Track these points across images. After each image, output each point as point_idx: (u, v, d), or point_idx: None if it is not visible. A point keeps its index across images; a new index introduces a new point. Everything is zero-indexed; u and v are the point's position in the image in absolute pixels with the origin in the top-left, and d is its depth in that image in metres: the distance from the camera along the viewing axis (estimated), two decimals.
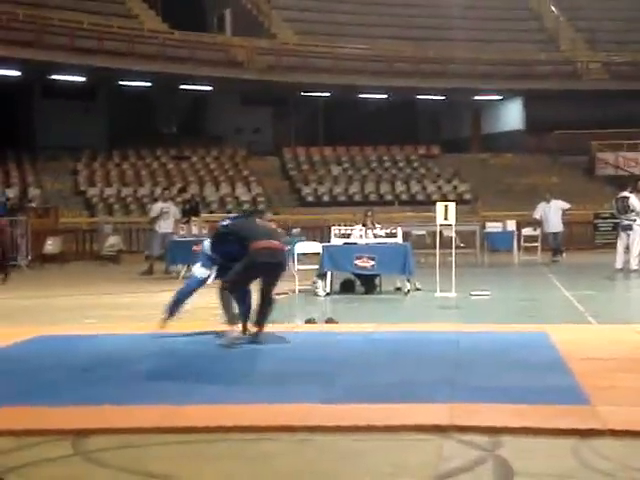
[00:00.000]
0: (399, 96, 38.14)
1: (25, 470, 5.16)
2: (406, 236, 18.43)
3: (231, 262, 9.80)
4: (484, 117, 42.02)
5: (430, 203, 25.24)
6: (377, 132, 37.49)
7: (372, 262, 15.31)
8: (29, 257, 24.25)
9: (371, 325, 11.05)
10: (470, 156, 39.39)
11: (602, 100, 37.93)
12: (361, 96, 37.88)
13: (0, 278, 7.95)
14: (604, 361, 8.12)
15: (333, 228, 16.59)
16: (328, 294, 15.30)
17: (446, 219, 14.93)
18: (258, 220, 10.30)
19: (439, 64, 38.37)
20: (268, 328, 9.97)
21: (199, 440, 5.73)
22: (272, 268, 9.66)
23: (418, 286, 15.58)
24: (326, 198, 34.83)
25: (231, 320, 9.46)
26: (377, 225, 16.67)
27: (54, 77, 32.97)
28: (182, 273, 18.23)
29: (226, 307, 9.50)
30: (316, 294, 15.28)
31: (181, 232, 20.05)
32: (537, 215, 24.43)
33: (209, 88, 36.34)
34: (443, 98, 39.45)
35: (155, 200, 24.57)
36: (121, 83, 34.37)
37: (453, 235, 16.22)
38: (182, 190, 30.79)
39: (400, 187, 35.84)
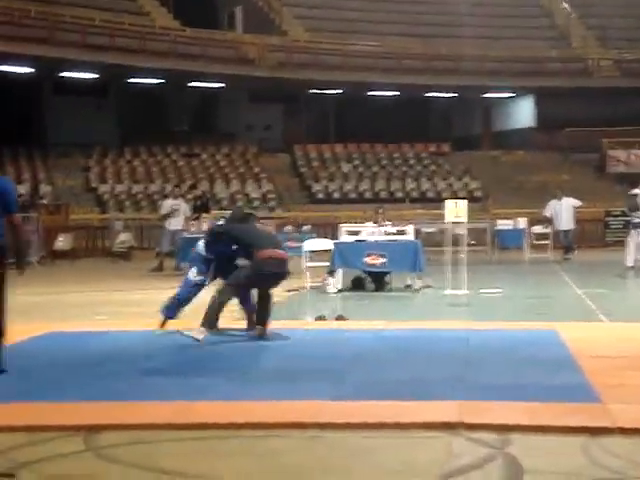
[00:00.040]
0: (410, 93, 38.08)
1: (37, 466, 5.19)
2: (417, 233, 18.42)
3: (226, 261, 9.83)
4: (495, 114, 41.93)
5: (440, 200, 25.16)
6: (388, 129, 37.45)
7: (382, 259, 15.31)
8: (41, 253, 24.31)
9: (381, 322, 11.06)
10: (481, 153, 39.32)
11: (613, 97, 37.82)
12: (372, 93, 37.83)
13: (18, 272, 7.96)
14: (614, 359, 8.12)
15: (343, 225, 16.58)
16: (339, 291, 15.31)
17: (457, 216, 14.92)
18: (258, 225, 10.32)
19: (450, 61, 38.29)
20: (276, 325, 10.02)
21: (210, 437, 5.75)
22: (278, 278, 9.71)
23: (429, 283, 15.58)
24: (337, 195, 34.81)
25: (210, 325, 9.36)
26: (387, 222, 16.67)
27: (66, 74, 33.02)
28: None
29: (214, 311, 9.41)
30: (326, 291, 15.28)
31: (192, 229, 20.07)
32: (548, 213, 24.38)
33: (220, 85, 36.35)
34: (454, 95, 39.38)
35: (165, 197, 24.61)
36: (132, 80, 34.40)
37: (464, 232, 16.21)
38: (193, 187, 30.80)
39: (411, 184, 35.80)
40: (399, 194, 35.08)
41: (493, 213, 29.67)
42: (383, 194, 34.74)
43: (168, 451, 5.54)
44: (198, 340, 9.16)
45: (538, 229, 25.20)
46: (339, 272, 15.49)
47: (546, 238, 24.81)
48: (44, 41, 30.75)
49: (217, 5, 41.19)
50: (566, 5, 43.19)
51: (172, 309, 10.12)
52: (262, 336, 9.64)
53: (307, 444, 5.61)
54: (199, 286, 10.10)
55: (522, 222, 25.13)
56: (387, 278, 15.81)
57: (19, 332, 9.35)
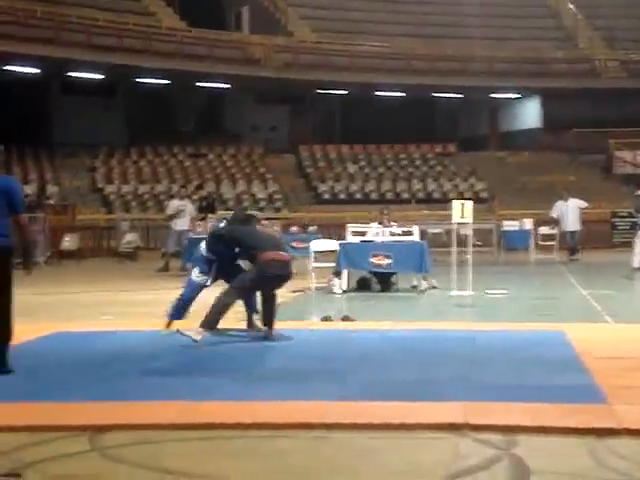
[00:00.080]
0: (416, 94, 38.06)
1: (42, 466, 5.20)
2: (422, 234, 18.41)
3: (228, 263, 9.85)
4: (501, 115, 41.91)
5: (447, 201, 25.17)
6: (394, 130, 37.45)
7: (388, 260, 15.30)
8: (47, 253, 24.35)
9: (387, 323, 11.06)
10: (487, 154, 39.29)
11: (620, 98, 37.77)
12: (378, 94, 37.82)
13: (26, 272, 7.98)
14: (621, 360, 8.10)
15: (349, 226, 16.58)
16: (344, 292, 15.30)
17: (463, 217, 14.91)
18: (259, 227, 10.34)
19: (456, 62, 38.28)
20: (282, 325, 10.02)
21: (216, 437, 5.75)
22: (282, 280, 9.71)
23: (434, 284, 15.57)
24: (342, 196, 34.82)
25: (210, 326, 9.36)
26: (393, 223, 16.66)
27: (73, 74, 33.07)
28: None
29: (217, 313, 9.38)
30: (332, 292, 15.28)
31: (198, 229, 20.08)
32: (554, 214, 24.35)
33: (226, 86, 36.37)
34: (460, 96, 39.37)
35: (172, 197, 24.63)
36: (139, 80, 34.44)
37: (470, 233, 16.20)
38: (199, 187, 30.87)
39: (417, 185, 35.79)
40: (405, 195, 35.07)
41: (499, 214, 29.65)
42: (389, 195, 34.75)
43: (174, 451, 5.55)
44: (196, 341, 9.14)
45: (544, 230, 25.17)
46: (345, 273, 15.49)
47: (552, 239, 24.79)
48: (50, 41, 30.81)
49: (223, 6, 41.21)
50: (572, 6, 43.13)
51: (177, 310, 10.14)
52: (267, 337, 9.65)
53: (313, 444, 5.61)
54: (201, 286, 10.12)
55: (528, 223, 25.11)
56: (393, 279, 15.81)
57: (26, 332, 9.37)
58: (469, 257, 15.11)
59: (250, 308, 10.07)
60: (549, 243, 24.80)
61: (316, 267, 15.99)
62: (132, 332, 10.41)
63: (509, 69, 38.52)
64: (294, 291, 15.12)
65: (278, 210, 32.30)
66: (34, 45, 30.18)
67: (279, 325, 9.91)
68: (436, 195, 35.04)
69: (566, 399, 6.49)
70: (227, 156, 36.58)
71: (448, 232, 19.21)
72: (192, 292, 10.15)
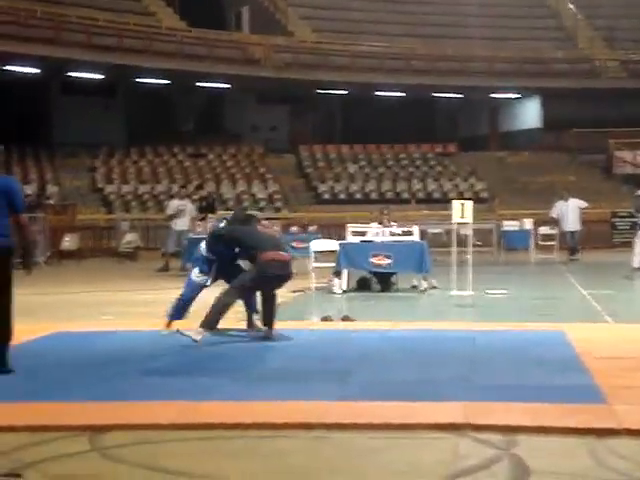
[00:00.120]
0: (416, 94, 38.06)
1: (42, 466, 5.20)
2: (422, 234, 18.41)
3: (228, 263, 9.87)
4: (501, 115, 41.91)
5: (447, 201, 25.17)
6: (394, 130, 37.44)
7: (388, 260, 15.31)
8: (47, 253, 24.35)
9: (387, 323, 11.06)
10: (487, 154, 39.29)
11: (620, 98, 37.77)
12: (378, 94, 37.82)
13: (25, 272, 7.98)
14: (621, 360, 8.11)
15: (349, 226, 16.59)
16: (344, 292, 15.31)
17: (463, 217, 14.92)
18: (259, 227, 10.34)
19: (456, 62, 38.28)
20: (282, 325, 10.02)
21: (216, 437, 5.75)
22: (282, 280, 9.72)
23: (434, 284, 15.57)
24: (342, 196, 34.82)
25: (209, 326, 9.35)
26: (393, 223, 16.66)
27: (73, 74, 33.07)
28: None
29: (217, 313, 9.38)
30: (332, 292, 15.29)
31: (198, 229, 20.09)
32: (554, 214, 24.34)
33: (226, 86, 36.37)
34: (460, 96, 39.37)
35: (172, 197, 24.64)
36: (139, 80, 34.43)
37: (470, 233, 16.20)
38: (199, 187, 30.87)
39: (417, 185, 35.79)
40: (405, 195, 35.07)
41: (499, 214, 29.66)
42: (389, 195, 34.75)
43: (174, 451, 5.55)
44: (196, 341, 9.14)
45: (544, 230, 25.17)
46: (345, 273, 15.49)
47: (552, 239, 24.79)
48: (50, 41, 30.81)
49: (224, 6, 41.21)
50: (572, 6, 43.13)
51: (177, 310, 10.15)
52: (268, 337, 9.66)
53: (313, 444, 5.61)
54: (201, 286, 10.13)
55: (528, 223, 25.12)
56: (393, 279, 15.81)
57: (26, 332, 9.37)
58: (469, 257, 15.11)
59: (250, 308, 10.08)
60: (549, 243, 24.80)
61: (316, 267, 16.00)
62: (132, 332, 10.42)
63: (509, 69, 38.53)
64: (294, 291, 15.12)
65: (278, 210, 32.30)
66: (34, 45, 30.18)
67: (279, 325, 9.92)
68: (436, 195, 35.04)
69: (566, 399, 6.49)
70: (227, 156, 36.58)
71: (448, 232, 19.22)
72: (192, 292, 10.16)
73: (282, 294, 13.24)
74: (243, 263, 9.83)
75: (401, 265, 15.47)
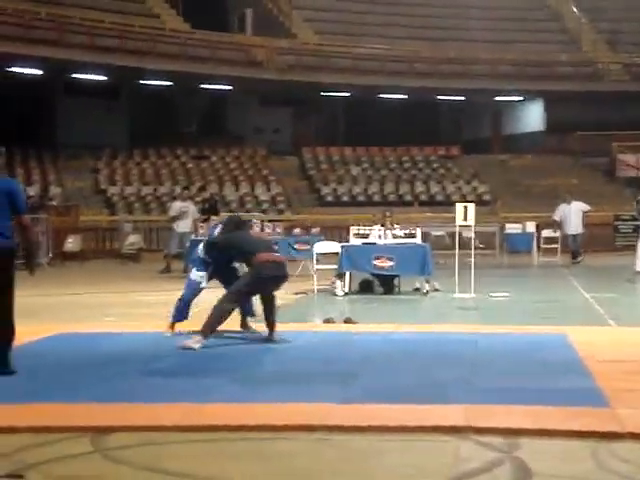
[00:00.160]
0: (419, 96, 38.05)
1: (45, 467, 5.20)
2: (425, 237, 18.42)
3: (224, 265, 9.94)
4: (505, 118, 41.90)
5: (449, 204, 25.18)
6: (397, 132, 37.44)
7: (391, 262, 15.31)
8: (50, 255, 24.37)
9: (390, 325, 11.06)
10: (490, 157, 39.28)
11: (623, 101, 37.75)
12: (381, 96, 37.83)
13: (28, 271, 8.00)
14: (623, 363, 8.10)
15: (352, 228, 16.61)
16: (347, 294, 15.31)
17: (465, 220, 14.92)
18: (252, 232, 10.41)
19: (459, 65, 38.28)
20: (284, 327, 10.03)
21: (219, 439, 5.76)
22: (278, 281, 9.72)
23: (437, 287, 15.57)
24: (345, 198, 34.82)
25: (209, 332, 9.34)
26: (396, 225, 16.67)
27: (76, 76, 33.09)
28: None
29: (216, 320, 9.37)
30: (335, 294, 15.29)
31: (200, 231, 20.09)
32: (557, 217, 24.31)
33: (229, 88, 36.39)
34: (463, 99, 39.37)
35: (174, 199, 24.65)
36: (142, 82, 34.44)
37: (472, 236, 16.20)
38: (202, 189, 30.87)
39: (419, 188, 35.78)
40: (408, 197, 35.06)
41: (502, 217, 29.65)
42: (392, 197, 34.74)
43: (177, 453, 5.55)
44: (194, 349, 9.14)
45: (547, 233, 25.15)
46: (347, 275, 15.49)
47: (555, 242, 24.76)
48: (54, 43, 30.82)
49: (227, 8, 41.21)
50: (576, 9, 43.12)
51: (179, 311, 10.18)
52: (270, 339, 9.68)
53: (316, 447, 5.62)
54: (200, 287, 10.18)
55: (531, 226, 25.10)
56: (395, 281, 15.81)
57: (29, 333, 9.39)
58: (472, 260, 15.11)
59: (245, 311, 10.11)
60: (552, 246, 24.78)
61: (318, 269, 16.02)
62: (135, 333, 10.42)
63: (512, 72, 38.51)
64: (296, 293, 15.15)
65: (281, 212, 32.30)
66: (38, 46, 30.18)
67: (281, 327, 9.92)
68: (439, 198, 35.02)
69: (568, 402, 6.49)
70: (230, 158, 36.58)
71: (451, 235, 19.22)
72: (192, 293, 10.22)
73: (284, 296, 13.29)
74: (239, 266, 9.92)
75: (403, 268, 15.47)
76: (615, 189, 35.58)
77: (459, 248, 15.64)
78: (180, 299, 10.25)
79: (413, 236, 16.05)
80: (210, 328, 9.33)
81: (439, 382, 7.37)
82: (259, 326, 10.02)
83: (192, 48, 34.16)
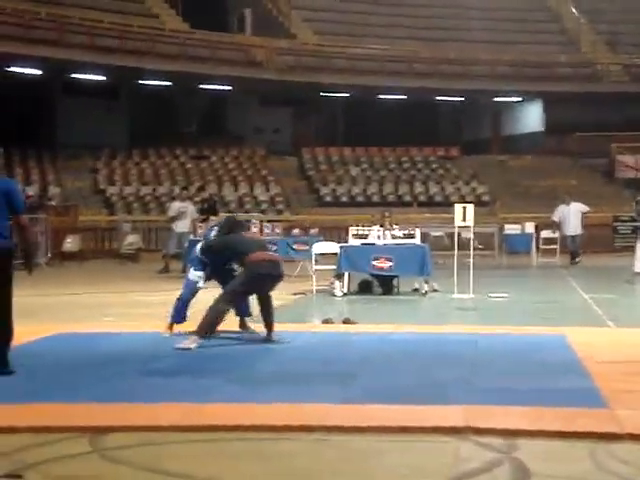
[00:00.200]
0: (418, 97, 38.07)
1: (44, 467, 5.20)
2: (424, 237, 18.41)
3: (221, 265, 10.00)
4: (504, 119, 41.91)
5: (448, 204, 25.18)
6: (396, 133, 37.45)
7: (390, 263, 15.31)
8: (48, 255, 24.36)
9: (389, 326, 11.06)
10: (489, 157, 39.29)
11: (622, 102, 37.77)
12: (380, 97, 37.84)
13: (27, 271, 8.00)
14: (622, 364, 8.10)
15: (351, 229, 16.62)
16: (345, 294, 15.31)
17: (464, 220, 14.92)
18: (247, 233, 10.43)
19: (459, 65, 38.30)
20: (283, 327, 10.03)
21: (218, 439, 5.76)
22: (274, 279, 9.69)
23: (436, 287, 15.58)
24: (344, 198, 34.82)
25: (205, 333, 9.33)
26: (395, 226, 16.67)
27: (76, 76, 33.09)
28: None
29: (212, 321, 9.37)
30: (333, 294, 15.29)
31: (199, 231, 20.08)
32: (556, 217, 24.32)
33: (229, 88, 36.40)
34: (463, 99, 39.38)
35: (173, 199, 24.65)
36: (141, 82, 34.45)
37: (471, 237, 16.21)
38: (201, 189, 30.86)
39: (419, 188, 35.79)
40: (407, 198, 35.08)
41: (501, 217, 29.66)
42: (391, 198, 34.74)
43: (177, 453, 5.55)
44: (190, 349, 9.13)
45: (546, 234, 25.16)
46: (346, 275, 15.49)
47: (554, 243, 24.77)
48: (53, 43, 30.83)
49: (226, 8, 41.21)
50: (575, 10, 43.14)
51: (178, 312, 10.19)
52: (268, 339, 9.68)
53: (315, 447, 5.62)
54: (197, 286, 10.19)
55: (530, 227, 25.11)
56: (394, 282, 15.81)
57: (27, 333, 9.38)
58: (470, 260, 15.11)
59: (241, 312, 10.11)
60: (551, 247, 24.79)
61: (317, 270, 16.02)
62: (134, 333, 10.42)
63: (512, 73, 38.52)
64: (295, 293, 15.16)
65: (280, 212, 32.30)
66: (37, 46, 30.19)
67: (280, 327, 9.92)
68: (438, 198, 35.03)
69: (567, 403, 6.50)
70: (229, 158, 36.59)
71: (450, 235, 19.22)
72: (190, 292, 10.23)
73: (283, 296, 13.30)
74: (236, 267, 9.96)
75: (402, 268, 15.47)
76: (614, 190, 35.59)
77: (458, 249, 15.65)
78: (179, 299, 10.27)
79: (412, 237, 16.05)
80: (206, 328, 9.32)
81: (438, 382, 7.37)
82: (257, 326, 10.02)
83: (192, 48, 34.17)
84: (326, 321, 11.54)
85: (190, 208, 21.58)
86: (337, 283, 15.39)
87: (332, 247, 16.47)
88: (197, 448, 5.63)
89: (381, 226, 16.53)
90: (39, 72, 31.78)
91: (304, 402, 6.57)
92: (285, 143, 39.15)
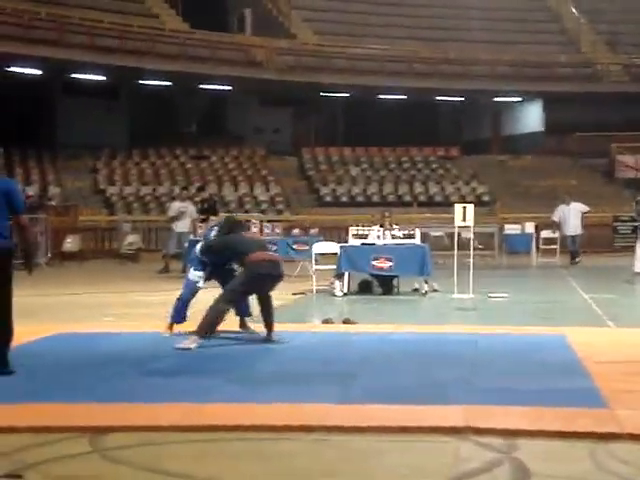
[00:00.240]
0: (418, 97, 38.08)
1: (44, 467, 5.20)
2: (424, 237, 18.41)
3: (221, 266, 10.01)
4: (504, 119, 41.91)
5: (448, 204, 25.18)
6: (396, 133, 37.45)
7: (390, 263, 15.31)
8: (48, 255, 24.36)
9: (389, 326, 11.06)
10: (489, 157, 39.30)
11: (622, 102, 37.76)
12: (380, 97, 37.84)
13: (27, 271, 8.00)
14: (622, 364, 8.10)
15: (351, 229, 16.62)
16: (345, 294, 15.31)
17: (464, 220, 14.92)
18: (247, 233, 10.43)
19: (459, 65, 38.30)
20: (282, 327, 10.03)
21: (218, 439, 5.75)
22: (274, 279, 9.69)
23: (436, 287, 15.58)
24: (344, 198, 34.83)
25: (205, 333, 9.33)
26: (395, 226, 16.67)
27: (76, 76, 33.10)
28: None
29: (212, 320, 9.37)
30: (333, 294, 15.29)
31: (199, 231, 20.08)
32: (556, 217, 24.31)
33: (229, 88, 36.40)
34: (463, 99, 39.38)
35: (173, 199, 24.65)
36: (141, 82, 34.45)
37: (471, 237, 16.21)
38: (201, 189, 30.84)
39: (419, 188, 35.80)
40: (407, 198, 35.07)
41: (501, 217, 29.66)
42: (391, 198, 34.74)
43: (177, 453, 5.55)
44: (190, 349, 9.14)
45: (546, 234, 25.16)
46: (346, 275, 15.49)
47: (554, 243, 24.77)
48: (53, 43, 30.84)
49: (226, 8, 41.23)
50: (575, 10, 43.14)
51: (178, 312, 10.19)
52: (268, 339, 9.69)
53: (315, 447, 5.61)
54: (198, 286, 10.20)
55: (530, 227, 25.12)
56: (394, 282, 15.80)
57: (27, 333, 9.38)
58: (470, 260, 15.11)
59: (242, 312, 10.11)
60: (551, 247, 24.79)
61: (317, 270, 16.02)
62: (134, 333, 10.42)
63: (512, 73, 38.53)
64: (295, 293, 15.16)
65: (280, 212, 32.31)
66: (37, 46, 30.20)
67: (280, 327, 9.92)
68: (438, 198, 35.03)
69: (567, 403, 6.50)
70: (229, 158, 36.59)
71: (450, 235, 19.22)
72: (190, 292, 10.23)
73: (283, 296, 13.30)
74: (237, 267, 9.96)
75: (402, 268, 15.46)
76: (614, 190, 35.59)
77: (458, 249, 15.65)
78: (179, 299, 10.27)
79: (412, 237, 16.05)
80: (206, 328, 9.32)
81: (438, 382, 7.37)
82: (257, 326, 10.02)
83: (192, 48, 34.18)
84: (326, 321, 11.54)
85: (190, 208, 21.57)
86: (337, 283, 15.38)
87: (332, 247, 16.47)
88: (197, 448, 5.63)
89: (381, 226, 16.53)
90: (39, 72, 31.79)
91: (304, 402, 6.57)
92: (285, 143, 39.15)
